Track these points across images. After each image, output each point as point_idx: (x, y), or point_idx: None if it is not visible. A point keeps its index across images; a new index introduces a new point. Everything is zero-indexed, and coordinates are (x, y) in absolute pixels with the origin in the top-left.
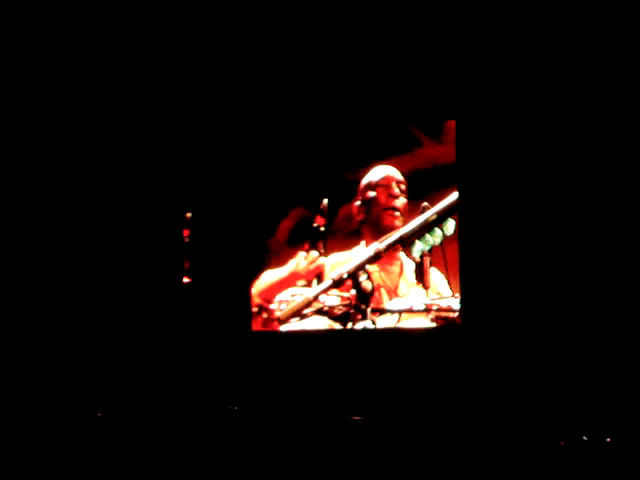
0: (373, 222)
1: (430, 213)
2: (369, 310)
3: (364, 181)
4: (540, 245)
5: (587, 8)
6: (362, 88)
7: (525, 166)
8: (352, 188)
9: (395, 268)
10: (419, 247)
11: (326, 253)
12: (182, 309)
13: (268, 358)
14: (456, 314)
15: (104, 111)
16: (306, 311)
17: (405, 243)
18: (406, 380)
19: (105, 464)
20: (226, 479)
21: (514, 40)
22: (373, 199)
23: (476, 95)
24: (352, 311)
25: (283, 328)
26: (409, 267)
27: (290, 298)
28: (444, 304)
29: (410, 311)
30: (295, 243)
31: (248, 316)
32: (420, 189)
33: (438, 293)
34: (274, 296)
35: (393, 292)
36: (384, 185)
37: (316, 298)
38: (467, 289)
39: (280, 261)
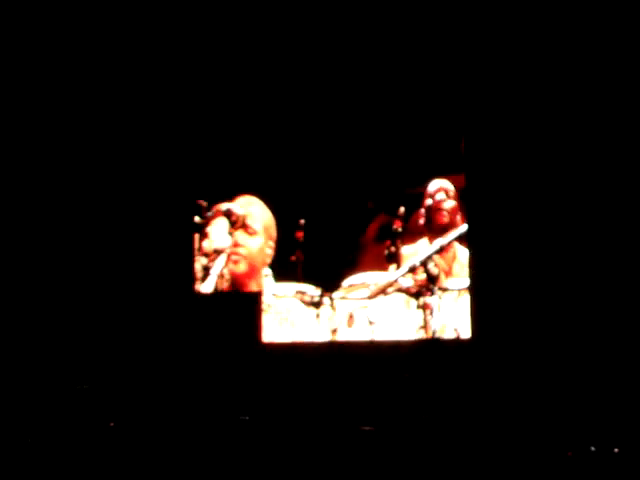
0: (430, 222)
1: None
2: (436, 288)
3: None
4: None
5: (594, 40)
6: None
7: (533, 184)
8: (419, 199)
9: (449, 255)
10: None
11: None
12: (192, 319)
13: (278, 369)
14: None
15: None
16: (389, 290)
17: (462, 238)
18: (414, 391)
19: (117, 474)
20: None
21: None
22: (429, 205)
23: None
24: (423, 290)
25: (293, 340)
26: (462, 253)
27: (359, 281)
28: None
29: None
30: (379, 241)
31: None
32: None
33: None
34: None
35: (449, 273)
36: (436, 192)
37: (396, 280)
38: (478, 302)
39: (368, 254)
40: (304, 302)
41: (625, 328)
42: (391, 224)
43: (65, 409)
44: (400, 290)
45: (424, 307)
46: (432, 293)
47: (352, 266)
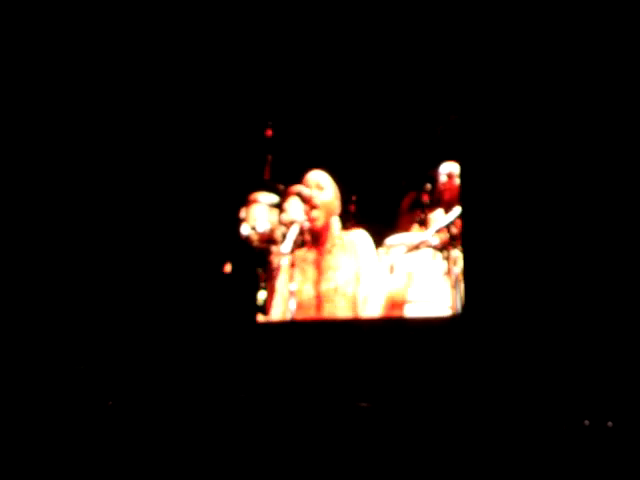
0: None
1: None
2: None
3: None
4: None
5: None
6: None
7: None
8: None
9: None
10: None
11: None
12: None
13: (273, 348)
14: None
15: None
16: (420, 246)
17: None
18: (412, 370)
19: (115, 453)
20: (235, 467)
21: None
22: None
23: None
24: (447, 245)
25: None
26: None
27: (397, 241)
28: None
29: None
30: (411, 210)
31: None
32: None
33: None
34: None
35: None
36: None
37: (426, 240)
38: (469, 283)
39: (403, 220)
40: None
41: (619, 305)
42: (420, 197)
43: (63, 388)
44: (429, 246)
45: (447, 258)
46: (454, 247)
47: (393, 230)
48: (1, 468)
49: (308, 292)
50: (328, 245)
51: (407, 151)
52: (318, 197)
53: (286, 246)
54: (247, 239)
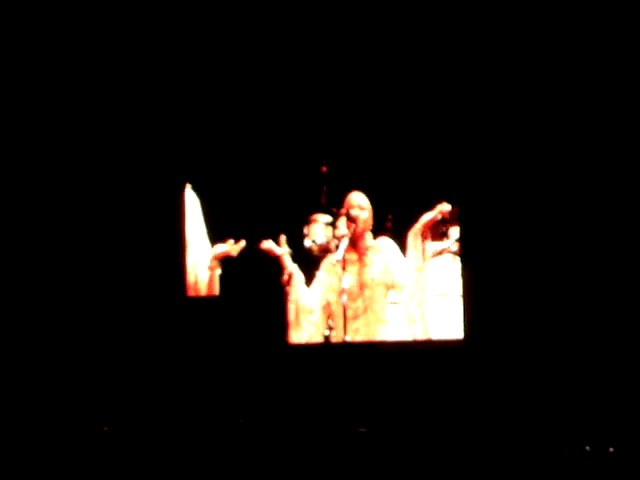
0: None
1: None
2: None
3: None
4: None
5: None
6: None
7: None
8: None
9: None
10: None
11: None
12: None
13: (275, 370)
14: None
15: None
16: (444, 253)
17: None
18: (412, 391)
19: (111, 478)
20: None
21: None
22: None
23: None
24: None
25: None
26: None
27: (433, 248)
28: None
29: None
30: (436, 225)
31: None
32: None
33: None
34: None
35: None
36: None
37: (448, 247)
38: (470, 301)
39: (431, 232)
40: None
41: (620, 326)
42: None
43: (59, 413)
44: (450, 252)
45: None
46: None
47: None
48: None
49: (351, 282)
50: (362, 249)
51: (431, 176)
52: (360, 216)
53: (339, 254)
54: (309, 250)
